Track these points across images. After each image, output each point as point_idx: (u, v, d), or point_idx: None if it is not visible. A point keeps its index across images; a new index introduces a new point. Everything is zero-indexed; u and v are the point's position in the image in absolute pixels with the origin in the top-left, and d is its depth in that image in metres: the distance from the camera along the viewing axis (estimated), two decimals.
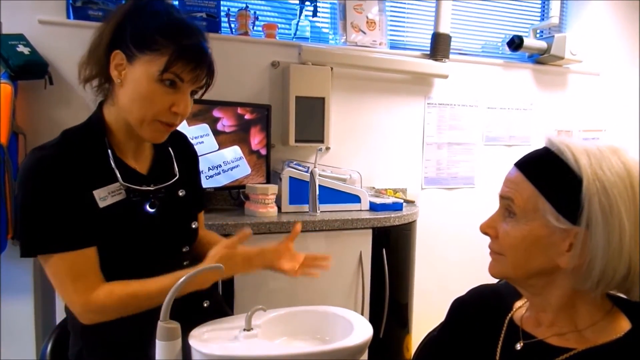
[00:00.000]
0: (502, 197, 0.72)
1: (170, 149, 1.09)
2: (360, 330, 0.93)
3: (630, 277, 0.63)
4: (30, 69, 1.60)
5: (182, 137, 1.17)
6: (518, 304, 0.81)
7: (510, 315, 0.79)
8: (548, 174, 0.67)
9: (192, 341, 0.87)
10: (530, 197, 0.68)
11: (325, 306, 1.05)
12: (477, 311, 0.84)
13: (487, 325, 0.80)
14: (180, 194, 1.07)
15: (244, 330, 0.91)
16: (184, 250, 1.08)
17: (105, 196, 0.93)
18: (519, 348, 0.73)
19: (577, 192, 0.63)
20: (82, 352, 0.99)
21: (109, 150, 0.95)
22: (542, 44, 2.52)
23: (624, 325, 0.68)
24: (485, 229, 0.74)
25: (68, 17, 1.78)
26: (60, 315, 1.62)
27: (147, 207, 0.99)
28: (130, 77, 0.91)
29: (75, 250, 0.89)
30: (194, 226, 1.10)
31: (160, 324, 0.80)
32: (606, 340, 0.67)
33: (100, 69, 0.95)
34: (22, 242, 0.89)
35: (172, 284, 0.75)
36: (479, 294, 0.88)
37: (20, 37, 1.63)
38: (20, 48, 1.58)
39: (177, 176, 1.07)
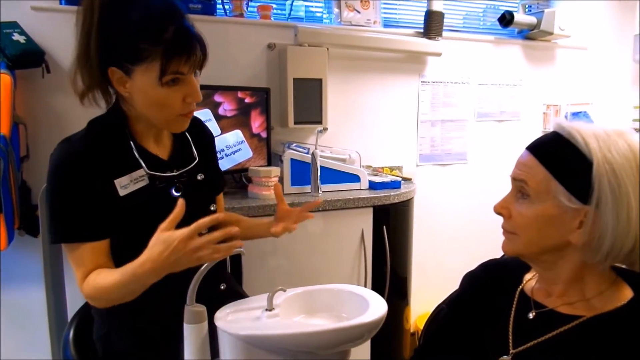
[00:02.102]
0: (515, 180, 0.77)
1: (187, 133, 1.11)
2: (376, 307, 0.96)
3: (636, 250, 0.69)
4: (28, 58, 1.58)
5: (197, 122, 1.18)
6: (527, 276, 0.86)
7: (521, 287, 0.84)
8: (560, 157, 0.72)
9: (219, 323, 0.91)
10: (543, 179, 0.72)
11: (339, 284, 1.08)
12: (488, 284, 0.89)
13: (499, 297, 0.85)
14: (199, 177, 1.10)
15: (266, 310, 0.96)
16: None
17: (127, 184, 0.96)
18: (531, 317, 0.79)
19: (587, 174, 0.68)
20: (108, 335, 1.03)
21: (131, 142, 0.98)
22: (532, 19, 2.55)
23: (627, 293, 0.74)
24: (499, 210, 0.79)
25: (60, 2, 1.74)
26: (71, 302, 1.65)
27: (173, 192, 1.03)
28: (136, 88, 0.92)
29: (95, 241, 0.94)
30: (212, 209, 1.13)
31: (187, 307, 0.83)
32: (612, 307, 0.73)
33: (99, 83, 0.95)
34: (51, 230, 0.94)
35: (123, 279, 0.85)
36: (489, 268, 0.94)
37: (15, 25, 1.59)
38: (16, 37, 1.55)
39: (197, 160, 1.09)
